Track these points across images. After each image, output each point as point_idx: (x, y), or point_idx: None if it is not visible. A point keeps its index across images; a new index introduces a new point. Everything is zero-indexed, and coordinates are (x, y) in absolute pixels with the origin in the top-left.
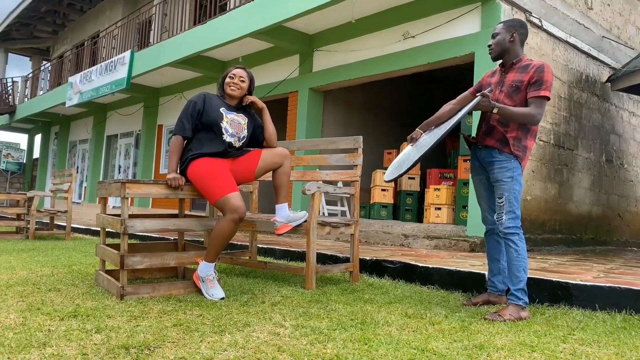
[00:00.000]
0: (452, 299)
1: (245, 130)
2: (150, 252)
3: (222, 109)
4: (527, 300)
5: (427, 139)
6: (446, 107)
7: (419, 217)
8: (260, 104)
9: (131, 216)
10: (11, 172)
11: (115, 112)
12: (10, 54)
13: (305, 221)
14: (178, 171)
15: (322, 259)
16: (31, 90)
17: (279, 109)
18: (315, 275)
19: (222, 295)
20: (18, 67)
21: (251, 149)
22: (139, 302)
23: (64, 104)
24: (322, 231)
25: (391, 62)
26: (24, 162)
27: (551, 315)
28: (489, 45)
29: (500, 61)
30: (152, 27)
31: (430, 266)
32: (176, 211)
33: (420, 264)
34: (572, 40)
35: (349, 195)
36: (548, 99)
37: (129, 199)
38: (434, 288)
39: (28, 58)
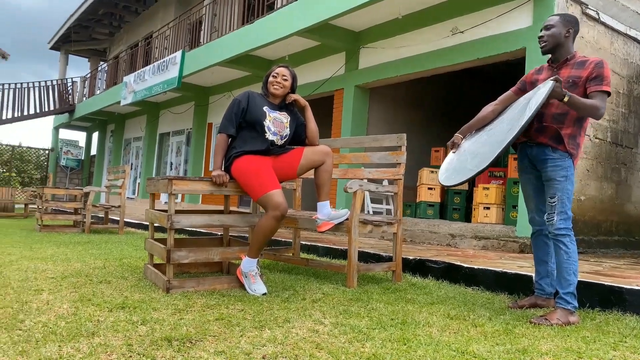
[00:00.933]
0: (497, 301)
1: (288, 129)
2: (196, 247)
3: (265, 108)
4: (576, 304)
5: (496, 136)
6: (488, 108)
7: (466, 217)
8: (303, 101)
9: (178, 212)
10: (70, 168)
11: (167, 110)
12: (70, 56)
13: (347, 219)
14: (223, 168)
15: (365, 257)
16: (89, 90)
17: (324, 107)
18: (357, 273)
19: (264, 290)
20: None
21: (294, 146)
22: (184, 296)
23: (118, 102)
24: (364, 229)
25: (439, 58)
26: (82, 158)
27: (602, 321)
28: (541, 37)
29: (549, 56)
30: (203, 28)
31: (476, 267)
32: (216, 205)
33: (465, 265)
34: (632, 32)
35: (393, 194)
36: (609, 94)
37: (177, 195)
38: (478, 289)
39: (87, 59)
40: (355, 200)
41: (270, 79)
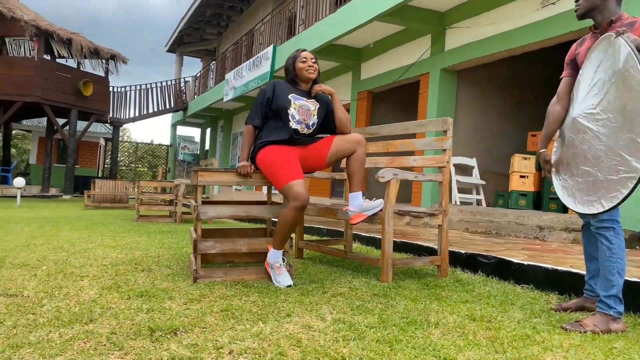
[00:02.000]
0: (542, 302)
1: (315, 117)
2: (236, 237)
3: (291, 96)
4: (620, 309)
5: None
6: (557, 108)
7: (565, 207)
8: (328, 89)
9: (205, 202)
10: (187, 162)
11: None
12: (184, 57)
13: (380, 210)
14: (249, 159)
15: (417, 250)
16: (199, 88)
17: (412, 94)
18: (393, 267)
19: (289, 282)
20: (192, 68)
21: (324, 135)
22: (208, 286)
23: (222, 99)
24: (401, 221)
25: (529, 34)
26: (198, 153)
27: None
28: (576, 0)
29: (592, 23)
30: (297, 21)
31: (525, 263)
32: (321, 197)
33: (516, 260)
34: None
35: (484, 183)
36: None
37: (207, 186)
38: (528, 288)
39: (199, 59)
40: (389, 190)
41: (300, 64)
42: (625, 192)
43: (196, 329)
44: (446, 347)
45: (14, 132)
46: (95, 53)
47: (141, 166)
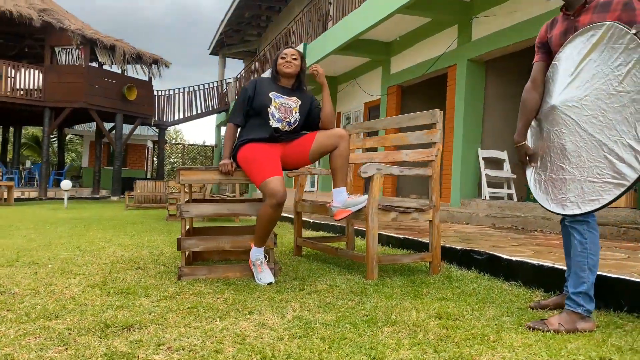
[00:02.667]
0: (524, 299)
1: (297, 114)
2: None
3: (271, 93)
4: (590, 307)
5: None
6: (533, 95)
7: None
8: (322, 79)
9: (195, 201)
10: None
11: None
12: (227, 59)
13: (365, 206)
14: (230, 157)
15: (418, 246)
16: (239, 89)
17: (440, 86)
18: (379, 264)
19: (270, 280)
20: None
21: (307, 132)
22: (191, 283)
23: None
24: (386, 217)
25: None
26: None
27: (630, 329)
28: None
29: (562, 4)
30: (328, 18)
31: (514, 259)
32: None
33: (505, 257)
34: None
35: (514, 177)
36: None
37: (186, 185)
38: (516, 285)
39: (242, 61)
40: (373, 185)
41: (279, 60)
42: (609, 198)
43: (152, 326)
44: (386, 345)
45: (68, 137)
46: (138, 58)
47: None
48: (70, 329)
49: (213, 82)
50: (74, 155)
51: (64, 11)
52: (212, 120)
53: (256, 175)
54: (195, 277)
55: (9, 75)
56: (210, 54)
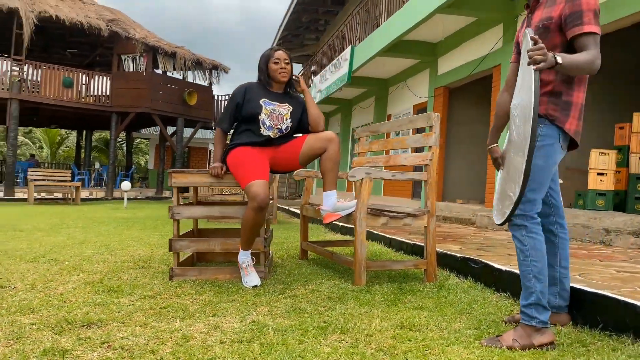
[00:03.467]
0: (506, 312)
1: (289, 120)
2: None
3: (262, 101)
4: (543, 318)
5: (515, 159)
6: (505, 98)
7: None
8: (304, 85)
9: (188, 204)
10: None
11: (357, 106)
12: None
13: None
14: (221, 161)
15: (419, 252)
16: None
17: (487, 87)
18: (366, 270)
19: (255, 283)
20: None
21: (298, 135)
22: (179, 284)
23: None
24: (375, 222)
25: (615, 8)
26: None
27: (593, 349)
28: None
29: None
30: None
31: (503, 269)
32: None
33: (496, 266)
34: None
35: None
36: (596, 34)
37: (176, 187)
38: (505, 295)
39: (301, 65)
40: (362, 189)
41: (272, 65)
42: (507, 214)
43: (112, 324)
44: (317, 354)
45: (136, 140)
46: (198, 64)
47: None
48: (34, 324)
49: None
50: (143, 157)
51: (131, 21)
52: None
53: (241, 178)
54: (185, 278)
55: (83, 83)
56: None
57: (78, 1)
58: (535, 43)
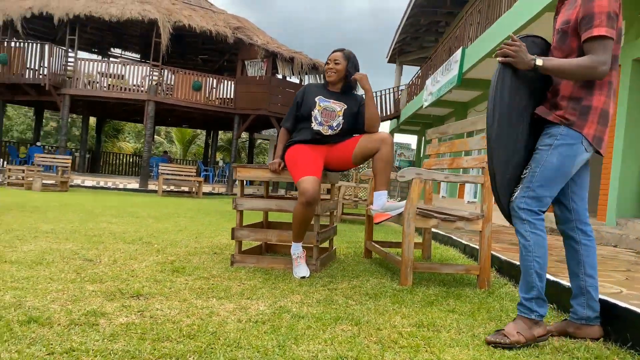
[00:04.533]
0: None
1: (341, 117)
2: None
3: (317, 98)
4: (542, 312)
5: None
6: None
7: None
8: (364, 84)
9: (247, 196)
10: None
11: (473, 109)
12: (404, 66)
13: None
14: (281, 158)
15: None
16: (410, 95)
17: None
18: (413, 271)
19: (303, 274)
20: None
21: (354, 135)
22: (237, 269)
23: (423, 106)
24: (425, 223)
25: None
26: (414, 159)
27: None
28: None
29: None
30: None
31: (551, 279)
32: None
33: (561, 282)
34: None
35: None
36: (606, 37)
37: (244, 181)
38: (552, 307)
39: (419, 67)
40: (412, 190)
41: (326, 66)
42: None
43: (157, 297)
44: (314, 339)
45: (257, 141)
46: (314, 68)
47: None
48: (95, 291)
49: (388, 89)
50: (263, 157)
51: (255, 28)
52: (384, 126)
53: (294, 174)
54: (244, 265)
55: (214, 87)
56: (388, 61)
57: (209, 11)
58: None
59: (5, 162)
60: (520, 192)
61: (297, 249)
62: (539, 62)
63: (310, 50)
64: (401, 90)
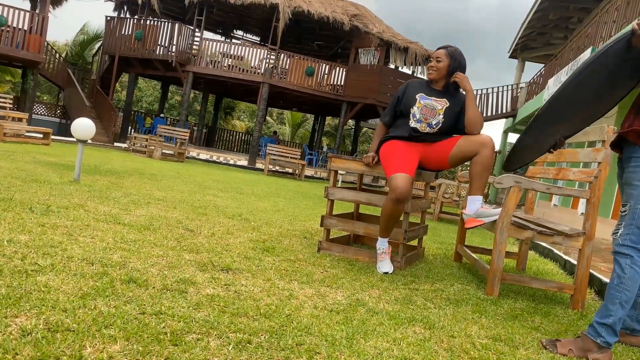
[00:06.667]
0: (621, 353)
1: (441, 116)
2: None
3: (418, 95)
4: (610, 340)
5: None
6: None
7: None
8: (464, 85)
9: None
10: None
11: None
12: (527, 62)
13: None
14: (375, 152)
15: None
16: (530, 94)
17: None
18: (501, 282)
19: (386, 270)
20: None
21: (453, 135)
22: (323, 256)
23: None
24: (520, 235)
25: None
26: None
27: None
28: None
29: None
30: (625, 20)
31: None
32: None
33: None
34: None
35: None
36: None
37: (337, 171)
38: None
39: (542, 65)
40: (508, 198)
41: (428, 64)
42: None
43: (244, 274)
44: (383, 335)
45: (363, 129)
46: (428, 60)
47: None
48: (190, 261)
49: (507, 86)
50: (368, 145)
51: (373, 16)
52: (499, 124)
53: (387, 170)
54: (330, 252)
55: (326, 73)
56: (510, 56)
57: None
58: None
59: (133, 130)
60: (624, 231)
61: (382, 244)
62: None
63: (430, 41)
64: (521, 87)
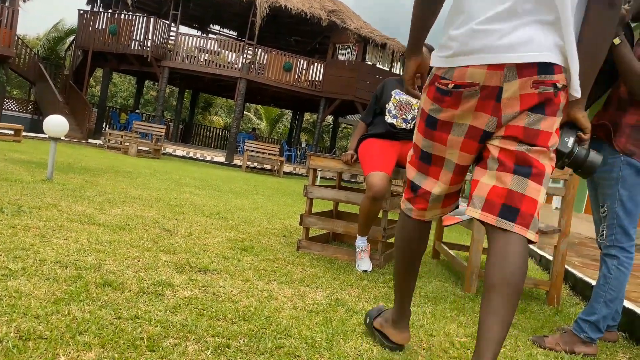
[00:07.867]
0: (603, 352)
1: (416, 110)
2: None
3: (393, 91)
4: (593, 336)
5: None
6: None
7: None
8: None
9: (319, 186)
10: None
11: None
12: None
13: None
14: (355, 150)
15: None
16: None
17: None
18: (479, 279)
19: (365, 268)
20: None
21: None
22: (302, 255)
23: None
24: None
25: None
26: None
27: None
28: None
29: None
30: None
31: (631, 308)
32: None
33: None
34: None
35: None
36: None
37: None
38: (623, 336)
39: None
40: None
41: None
42: None
43: (222, 275)
44: (361, 337)
45: (342, 125)
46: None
47: None
48: (167, 262)
49: None
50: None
51: (350, 12)
52: None
53: (364, 167)
54: (309, 251)
55: (304, 68)
56: None
57: None
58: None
59: (107, 126)
60: (607, 232)
61: (361, 243)
62: (617, 40)
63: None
64: None
